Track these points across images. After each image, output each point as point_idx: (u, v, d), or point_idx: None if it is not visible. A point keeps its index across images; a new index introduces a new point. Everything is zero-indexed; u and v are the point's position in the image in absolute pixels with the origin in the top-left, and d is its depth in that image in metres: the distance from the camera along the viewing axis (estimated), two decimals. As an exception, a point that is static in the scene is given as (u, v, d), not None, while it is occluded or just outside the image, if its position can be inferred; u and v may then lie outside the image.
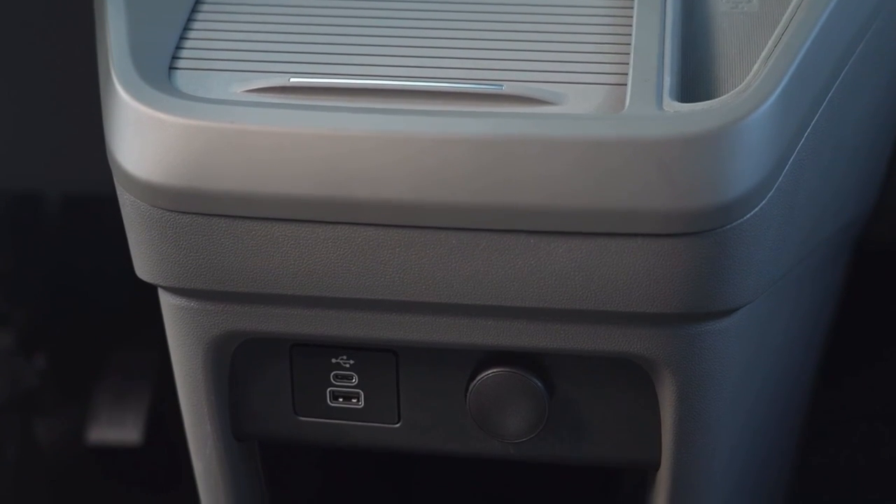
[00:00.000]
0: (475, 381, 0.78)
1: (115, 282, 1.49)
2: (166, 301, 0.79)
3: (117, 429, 1.46)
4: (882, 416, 1.46)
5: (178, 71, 0.76)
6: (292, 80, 0.75)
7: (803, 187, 0.75)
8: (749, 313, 0.77)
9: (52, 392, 1.48)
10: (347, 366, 0.80)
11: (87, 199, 1.41)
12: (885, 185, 0.98)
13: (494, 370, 0.78)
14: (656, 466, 0.82)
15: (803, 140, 0.74)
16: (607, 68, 0.75)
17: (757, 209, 0.70)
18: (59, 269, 1.48)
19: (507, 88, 0.73)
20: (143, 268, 0.76)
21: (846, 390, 1.43)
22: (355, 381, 0.81)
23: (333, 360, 0.80)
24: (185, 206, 0.72)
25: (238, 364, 0.81)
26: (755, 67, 0.72)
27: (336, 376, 0.81)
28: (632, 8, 0.78)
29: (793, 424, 1.06)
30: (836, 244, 0.93)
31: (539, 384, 0.78)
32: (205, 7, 0.80)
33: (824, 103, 0.75)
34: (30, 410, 1.45)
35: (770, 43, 0.73)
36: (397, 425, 0.82)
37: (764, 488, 1.03)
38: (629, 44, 0.75)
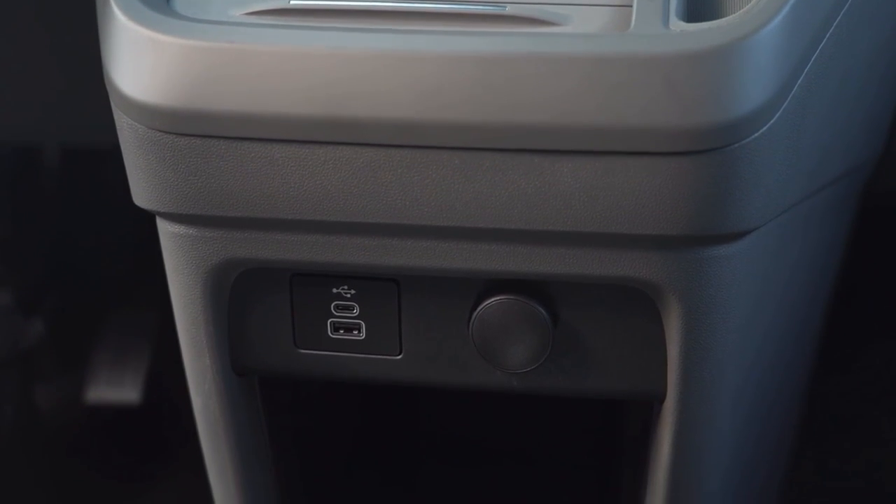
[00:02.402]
0: (478, 309, 0.77)
1: (115, 240, 1.49)
2: (165, 229, 0.78)
3: (116, 389, 1.45)
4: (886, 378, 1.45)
5: None
6: (292, 2, 0.74)
7: (811, 113, 0.74)
8: (755, 244, 0.76)
9: (50, 352, 1.47)
10: (348, 296, 0.79)
11: (86, 154, 1.40)
12: (891, 135, 0.97)
13: (498, 298, 0.77)
14: (661, 399, 0.81)
15: (811, 63, 0.73)
16: None
17: (765, 129, 0.69)
18: (58, 227, 1.47)
19: (510, 9, 0.72)
20: (141, 194, 0.75)
21: (851, 351, 1.43)
22: (356, 311, 0.80)
23: (334, 290, 0.79)
24: (183, 127, 0.71)
25: (237, 296, 0.80)
26: None
27: (337, 307, 0.80)
28: None
29: (800, 378, 1.05)
30: (842, 190, 0.92)
31: (543, 312, 0.76)
32: None
33: (832, 28, 0.74)
34: (28, 370, 1.45)
35: None
36: (399, 357, 0.81)
37: (771, 439, 1.03)
38: None
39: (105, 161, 1.34)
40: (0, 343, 1.43)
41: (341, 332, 0.81)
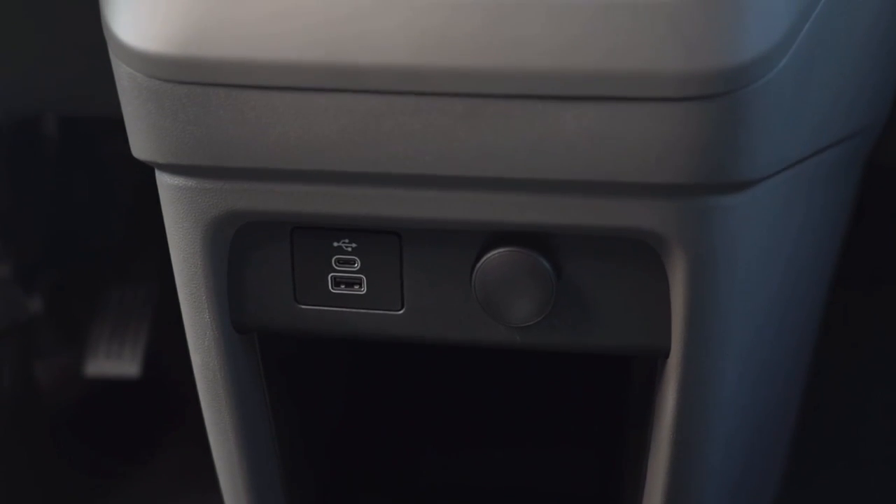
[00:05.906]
0: (481, 261, 0.76)
1: (115, 212, 1.48)
2: (164, 182, 0.77)
3: (115, 362, 1.45)
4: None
5: None
6: None
7: (818, 62, 0.73)
8: (760, 198, 0.75)
9: (50, 324, 1.47)
10: (349, 249, 0.79)
11: (86, 125, 1.39)
12: None
13: (501, 250, 0.76)
14: (666, 354, 0.80)
15: (817, 9, 0.72)
16: None
17: (772, 74, 0.68)
18: (58, 199, 1.46)
19: None
20: (140, 145, 0.75)
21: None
22: (357, 265, 0.79)
23: (335, 244, 0.78)
24: (182, 75, 0.71)
25: (237, 251, 0.79)
26: None
27: (338, 261, 0.79)
28: None
29: (807, 347, 1.04)
30: (848, 154, 0.92)
31: (546, 264, 0.76)
32: None
33: None
34: (28, 342, 1.44)
35: None
36: (401, 312, 0.80)
37: (778, 408, 1.02)
38: None
39: (105, 132, 1.33)
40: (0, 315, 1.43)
41: (342, 286, 0.80)
